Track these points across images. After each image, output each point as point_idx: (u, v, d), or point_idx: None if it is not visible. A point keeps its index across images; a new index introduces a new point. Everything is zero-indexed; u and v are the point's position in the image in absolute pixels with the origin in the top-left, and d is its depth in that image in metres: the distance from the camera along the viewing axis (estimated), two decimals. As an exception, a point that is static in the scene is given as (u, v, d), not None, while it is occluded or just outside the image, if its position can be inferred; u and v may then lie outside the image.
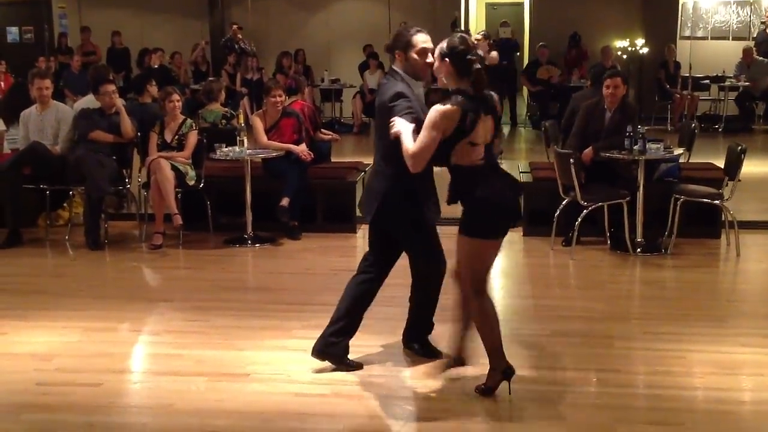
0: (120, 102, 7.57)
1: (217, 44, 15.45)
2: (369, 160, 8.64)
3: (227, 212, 7.53)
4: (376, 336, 4.76)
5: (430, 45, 4.17)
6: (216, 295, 5.80)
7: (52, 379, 4.34)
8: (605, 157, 6.61)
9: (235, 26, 14.97)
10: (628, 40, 14.61)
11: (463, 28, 14.09)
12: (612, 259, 6.61)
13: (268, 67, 14.73)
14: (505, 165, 9.81)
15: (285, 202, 7.08)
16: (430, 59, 4.13)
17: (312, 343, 4.71)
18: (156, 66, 13.64)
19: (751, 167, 8.01)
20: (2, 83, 11.90)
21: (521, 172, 7.88)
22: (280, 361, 4.54)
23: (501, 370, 4.02)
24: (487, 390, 4.04)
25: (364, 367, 4.40)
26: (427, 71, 4.21)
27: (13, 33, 16.05)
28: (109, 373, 4.43)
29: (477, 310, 4.01)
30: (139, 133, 7.51)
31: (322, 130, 8.30)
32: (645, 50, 14.43)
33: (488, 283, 4.14)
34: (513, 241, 6.95)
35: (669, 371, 4.37)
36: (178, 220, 6.94)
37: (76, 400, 4.10)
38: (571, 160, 6.47)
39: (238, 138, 7.26)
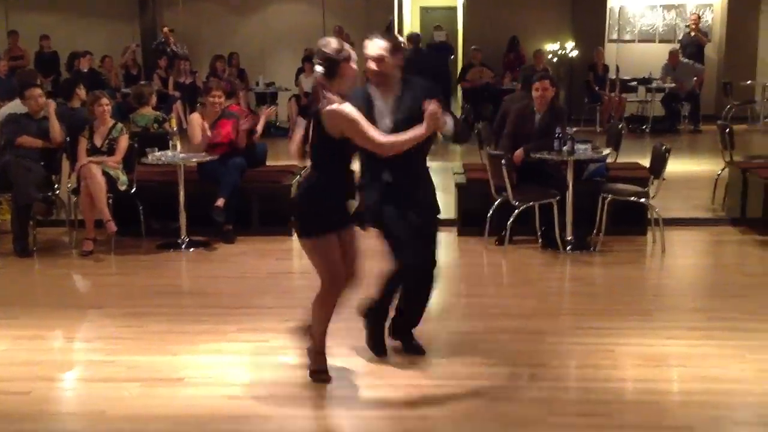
0: (52, 106, 7.42)
1: (149, 47, 15.25)
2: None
3: (160, 217, 7.45)
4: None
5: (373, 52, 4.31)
6: (150, 300, 5.74)
7: (-21, 389, 4.25)
8: (535, 158, 6.75)
9: (166, 29, 14.81)
10: (558, 43, 14.91)
11: (396, 31, 14.20)
12: (543, 257, 6.75)
13: (202, 70, 14.60)
14: (438, 166, 9.97)
15: (220, 202, 7.04)
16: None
17: (247, 345, 4.74)
18: (85, 70, 13.42)
19: (676, 166, 8.24)
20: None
21: (455, 173, 7.98)
22: (215, 365, 4.52)
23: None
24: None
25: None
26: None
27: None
28: (38, 381, 4.35)
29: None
30: (68, 138, 7.37)
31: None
32: (574, 53, 14.74)
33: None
34: (447, 241, 7.04)
35: (598, 364, 4.49)
36: (112, 227, 6.84)
37: (5, 408, 4.02)
38: (503, 162, 6.58)
39: (170, 142, 7.20)
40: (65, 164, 7.61)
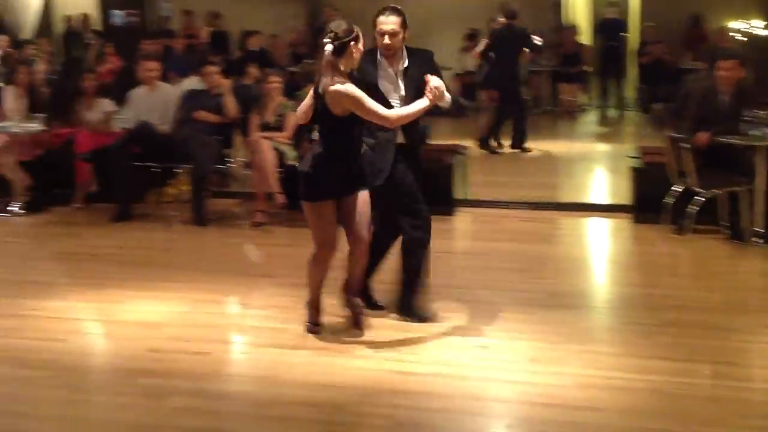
0: (227, 83, 7.76)
1: (315, 27, 15.60)
2: (466, 142, 8.69)
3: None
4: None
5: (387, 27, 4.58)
6: (316, 272, 5.89)
7: (164, 347, 4.52)
8: (721, 142, 6.36)
9: (327, 9, 15.08)
10: (745, 21, 14.04)
11: (563, 8, 13.88)
12: (728, 249, 6.35)
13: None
14: (610, 149, 9.65)
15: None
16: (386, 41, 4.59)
17: (419, 324, 4.79)
18: (255, 49, 13.88)
19: None
20: (110, 65, 12.31)
21: (629, 157, 7.69)
22: (383, 339, 4.60)
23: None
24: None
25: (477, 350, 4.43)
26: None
27: (117, 16, 16.55)
28: (217, 343, 4.59)
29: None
30: (241, 114, 7.69)
31: None
32: (765, 32, 13.82)
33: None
34: (621, 228, 6.84)
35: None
36: (280, 198, 7.10)
37: (186, 367, 4.27)
38: (686, 145, 6.29)
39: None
40: (238, 139, 7.95)
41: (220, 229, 7.16)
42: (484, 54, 10.93)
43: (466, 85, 13.79)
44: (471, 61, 13.74)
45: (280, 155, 7.28)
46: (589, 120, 13.88)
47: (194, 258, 6.40)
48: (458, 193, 7.77)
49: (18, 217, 7.59)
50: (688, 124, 6.66)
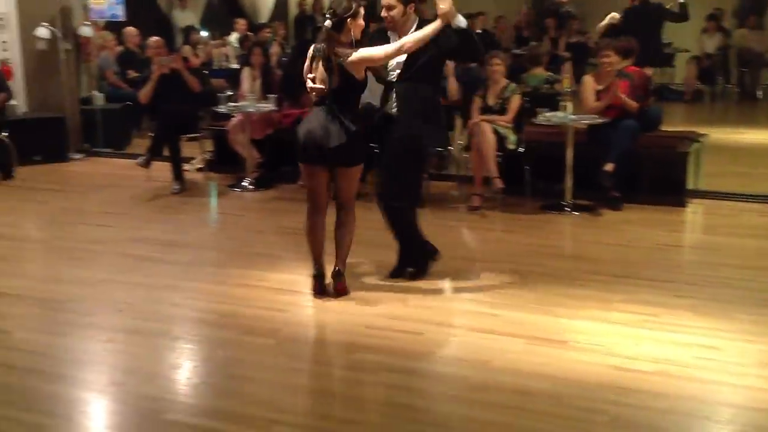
0: (450, 65, 7.74)
1: (540, 9, 15.28)
2: (703, 130, 8.14)
3: (545, 178, 7.44)
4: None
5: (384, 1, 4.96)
6: (532, 259, 5.76)
7: (378, 324, 4.58)
8: None
9: (554, -10, 14.71)
10: None
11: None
12: None
13: (593, 30, 14.29)
14: None
15: (609, 167, 6.84)
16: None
17: (634, 317, 4.56)
18: (479, 30, 13.80)
19: None
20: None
21: None
22: (600, 333, 4.40)
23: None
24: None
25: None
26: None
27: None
28: (429, 324, 4.58)
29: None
30: (463, 97, 7.64)
31: None
32: None
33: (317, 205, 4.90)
34: None
35: None
36: (499, 183, 6.99)
37: (400, 345, 4.29)
38: None
39: (560, 103, 7.13)
40: (458, 122, 7.93)
41: (437, 211, 7.18)
42: None
43: (703, 69, 12.95)
44: (710, 44, 12.91)
45: (501, 139, 7.17)
46: None
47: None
48: (691, 184, 7.30)
49: (248, 192, 8.03)
50: None
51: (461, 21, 4.85)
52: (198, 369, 4.17)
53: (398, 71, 4.99)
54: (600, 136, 7.02)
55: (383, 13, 4.99)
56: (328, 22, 4.73)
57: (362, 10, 4.77)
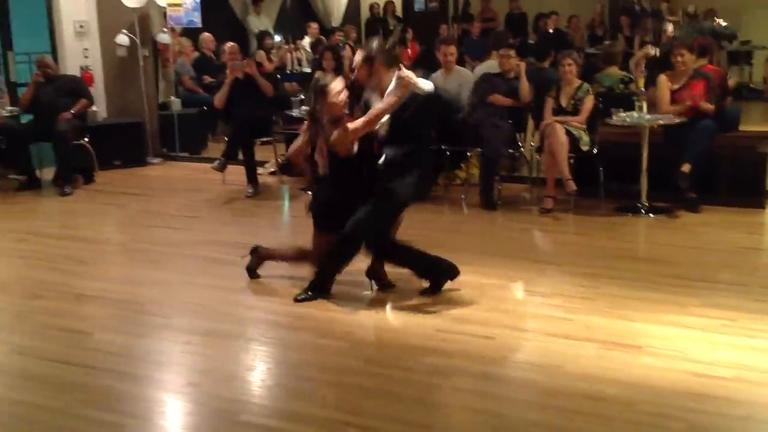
0: (523, 66, 7.69)
1: (615, 7, 15.03)
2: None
3: (620, 179, 7.33)
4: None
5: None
6: (606, 262, 5.68)
7: (451, 327, 4.58)
8: None
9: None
10: None
11: None
12: None
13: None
14: None
15: (686, 167, 6.70)
16: None
17: (711, 322, 4.46)
18: (551, 30, 13.67)
19: None
20: (410, 50, 12.77)
21: None
22: (676, 338, 4.32)
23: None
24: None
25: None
26: None
27: (419, 2, 17.12)
28: (501, 328, 4.56)
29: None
30: (535, 97, 7.58)
31: None
32: None
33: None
34: None
35: None
36: (572, 185, 6.91)
37: (471, 349, 4.28)
38: None
39: (636, 103, 7.01)
40: (530, 123, 7.86)
41: (508, 213, 7.13)
42: None
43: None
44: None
45: (574, 140, 7.08)
46: None
47: (481, 241, 6.42)
48: (772, 185, 7.11)
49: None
50: None
51: (426, 85, 4.75)
52: (272, 371, 4.24)
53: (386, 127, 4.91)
54: (677, 136, 6.88)
55: (354, 74, 5.01)
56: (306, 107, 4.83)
57: (334, 87, 4.91)
